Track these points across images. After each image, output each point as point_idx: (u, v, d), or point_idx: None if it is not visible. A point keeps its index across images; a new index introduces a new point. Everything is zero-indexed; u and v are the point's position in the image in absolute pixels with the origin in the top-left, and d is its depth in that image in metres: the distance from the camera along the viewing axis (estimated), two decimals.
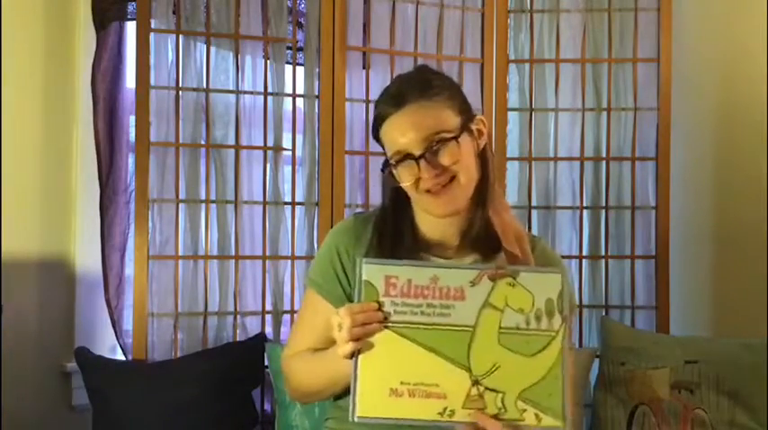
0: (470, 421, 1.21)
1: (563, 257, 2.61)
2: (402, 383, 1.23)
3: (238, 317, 2.44)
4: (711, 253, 2.73)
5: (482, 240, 1.43)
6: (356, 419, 1.23)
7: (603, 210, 2.65)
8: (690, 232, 2.74)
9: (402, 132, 1.38)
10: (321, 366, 1.45)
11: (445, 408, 1.22)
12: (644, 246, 2.63)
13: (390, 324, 1.25)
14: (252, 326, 2.46)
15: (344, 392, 1.42)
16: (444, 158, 1.37)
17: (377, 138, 1.46)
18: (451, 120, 1.40)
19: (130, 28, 2.44)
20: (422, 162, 1.36)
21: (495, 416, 1.20)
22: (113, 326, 2.42)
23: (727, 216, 2.70)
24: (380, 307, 1.26)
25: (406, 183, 1.40)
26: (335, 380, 1.42)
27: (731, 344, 2.36)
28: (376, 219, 1.49)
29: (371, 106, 2.50)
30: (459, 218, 1.45)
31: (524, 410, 1.20)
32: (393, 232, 1.45)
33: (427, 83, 1.41)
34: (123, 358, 2.42)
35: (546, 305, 1.24)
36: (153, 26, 2.36)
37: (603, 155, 2.65)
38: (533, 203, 2.66)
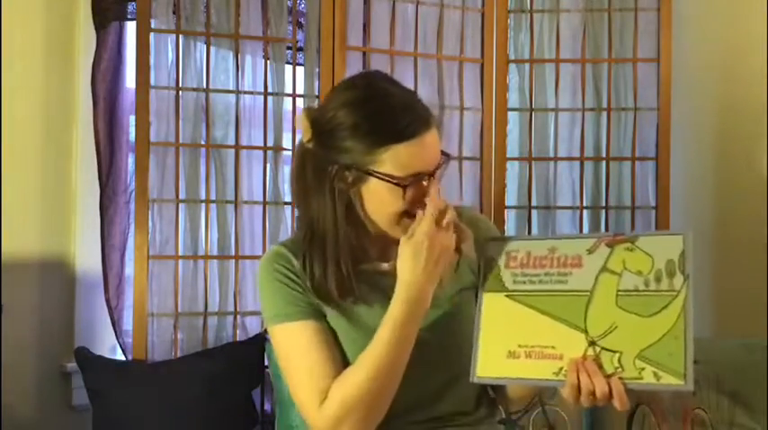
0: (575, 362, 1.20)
1: None
2: (520, 346, 1.27)
3: (238, 317, 2.44)
4: (711, 253, 2.73)
5: None
6: (475, 380, 1.28)
7: (603, 210, 2.65)
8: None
9: (425, 146, 1.28)
10: (385, 339, 1.27)
11: (561, 369, 1.23)
12: None
13: (510, 292, 1.30)
14: (252, 327, 2.46)
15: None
16: (436, 180, 1.31)
17: (367, 153, 1.28)
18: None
19: (130, 28, 2.44)
20: (433, 179, 1.29)
21: (611, 375, 1.19)
22: (113, 327, 2.41)
23: (727, 216, 2.70)
24: (501, 279, 1.32)
25: (410, 202, 1.28)
26: (409, 338, 1.28)
27: (731, 345, 2.36)
28: (318, 241, 1.34)
29: None
30: None
31: (643, 369, 1.18)
32: (351, 255, 1.34)
33: (422, 103, 1.33)
34: (123, 358, 2.42)
35: (666, 266, 1.23)
36: (153, 26, 2.36)
37: (603, 155, 2.65)
38: (533, 203, 2.66)
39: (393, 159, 1.26)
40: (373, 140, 1.26)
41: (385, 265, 1.38)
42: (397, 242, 1.33)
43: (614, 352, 1.21)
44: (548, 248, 1.31)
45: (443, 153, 1.32)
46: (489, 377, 1.28)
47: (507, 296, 1.30)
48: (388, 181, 1.26)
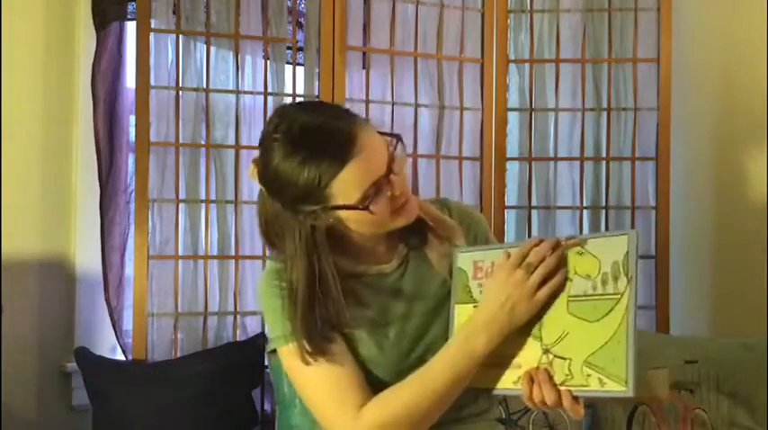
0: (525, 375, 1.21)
1: None
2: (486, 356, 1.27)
3: (238, 317, 2.44)
4: (711, 253, 2.73)
5: (404, 233, 1.36)
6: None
7: (603, 210, 2.65)
8: (690, 232, 2.74)
9: (370, 158, 1.22)
10: (444, 374, 1.25)
11: (519, 377, 1.23)
12: (644, 246, 2.63)
13: (477, 303, 1.29)
14: (252, 327, 2.46)
15: None
16: (397, 167, 1.26)
17: (317, 197, 1.23)
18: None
19: (130, 28, 2.44)
20: (392, 177, 1.24)
21: (562, 383, 1.19)
22: (113, 327, 2.42)
23: (727, 216, 2.70)
24: (470, 291, 1.31)
25: (376, 212, 1.24)
26: (464, 378, 1.25)
27: (731, 344, 2.36)
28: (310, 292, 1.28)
29: (371, 107, 2.54)
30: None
31: (589, 375, 1.17)
32: (358, 249, 1.34)
33: (342, 110, 1.29)
34: (123, 358, 2.42)
35: (612, 268, 1.20)
36: (153, 26, 2.36)
37: (603, 155, 2.65)
38: (533, 203, 2.66)
39: (342, 190, 1.22)
40: (316, 186, 1.21)
41: (386, 267, 1.38)
42: (397, 243, 1.34)
43: (565, 359, 1.20)
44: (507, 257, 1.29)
45: (391, 135, 1.27)
46: (495, 389, 1.27)
47: (475, 307, 1.29)
48: (351, 209, 1.23)
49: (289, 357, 1.29)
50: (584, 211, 2.66)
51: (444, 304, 1.35)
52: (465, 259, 1.34)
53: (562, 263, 1.23)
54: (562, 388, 1.19)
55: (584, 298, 1.21)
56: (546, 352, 1.22)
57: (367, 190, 1.22)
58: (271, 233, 1.32)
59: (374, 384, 1.29)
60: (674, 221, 2.60)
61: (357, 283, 1.34)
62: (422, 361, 1.28)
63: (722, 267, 2.71)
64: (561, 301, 1.23)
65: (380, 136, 1.26)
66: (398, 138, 1.28)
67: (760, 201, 2.60)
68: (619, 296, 1.18)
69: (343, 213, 1.25)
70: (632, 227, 2.61)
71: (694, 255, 2.74)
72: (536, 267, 1.21)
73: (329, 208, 1.24)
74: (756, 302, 2.56)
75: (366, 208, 1.23)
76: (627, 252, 1.19)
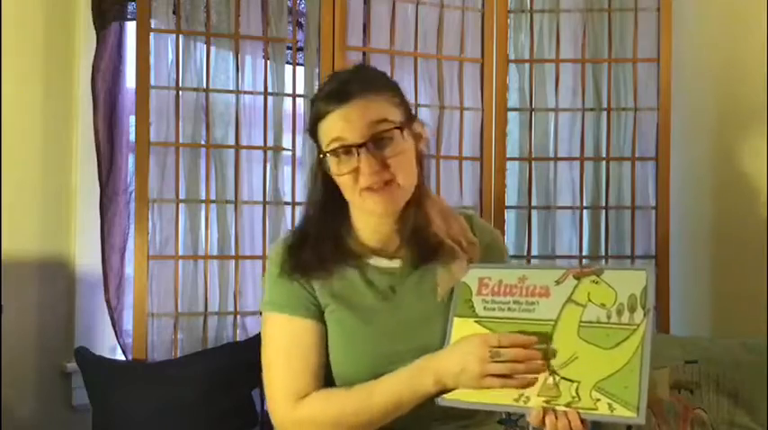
0: (540, 407, 1.24)
1: (564, 257, 2.65)
2: None
3: (238, 317, 2.44)
4: (711, 253, 2.73)
5: (420, 239, 1.40)
6: (440, 402, 1.31)
7: (603, 210, 2.65)
8: (690, 232, 2.74)
9: (344, 117, 1.31)
10: (386, 395, 1.31)
11: (521, 395, 1.26)
12: (644, 246, 2.63)
13: (479, 318, 1.34)
14: (252, 327, 2.46)
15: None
16: (387, 150, 1.32)
17: (313, 137, 1.39)
18: (396, 115, 1.36)
19: (130, 28, 2.44)
20: (362, 152, 1.30)
21: (568, 405, 1.23)
22: (113, 327, 2.42)
23: (727, 216, 2.70)
24: (472, 305, 1.35)
25: (338, 174, 1.33)
26: (404, 406, 1.31)
27: (731, 345, 2.36)
28: (309, 224, 1.41)
29: None
30: (395, 219, 1.40)
31: (598, 400, 1.22)
32: (333, 236, 1.39)
33: (371, 79, 1.38)
34: (123, 358, 2.42)
35: (629, 300, 1.27)
36: (153, 26, 2.36)
37: (603, 155, 2.65)
38: (533, 203, 2.66)
39: (322, 135, 1.35)
40: (312, 123, 1.37)
41: (384, 262, 1.40)
42: (397, 237, 1.38)
43: (573, 381, 1.24)
44: (518, 277, 1.35)
45: (389, 121, 1.33)
46: (455, 400, 1.30)
47: (476, 321, 1.34)
48: (321, 157, 1.35)
49: (267, 323, 1.40)
50: (584, 211, 2.66)
51: (435, 317, 1.38)
52: (470, 275, 1.39)
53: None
54: (569, 409, 1.23)
55: (596, 325, 1.27)
56: (552, 373, 1.26)
57: (333, 145, 1.32)
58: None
59: (341, 370, 1.36)
60: (673, 221, 2.60)
61: (357, 264, 1.39)
62: (399, 360, 1.33)
63: (722, 267, 2.70)
64: (572, 325, 1.28)
65: (390, 112, 1.34)
66: (400, 127, 1.34)
67: (760, 201, 2.60)
68: (635, 327, 1.24)
69: (331, 169, 1.35)
70: (632, 226, 2.61)
71: (694, 255, 2.74)
72: (504, 361, 1.25)
73: (320, 151, 1.37)
74: (756, 302, 2.56)
75: (322, 154, 1.34)
76: (645, 286, 1.27)
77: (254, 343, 2.34)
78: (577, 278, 1.32)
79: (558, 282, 1.32)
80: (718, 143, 2.73)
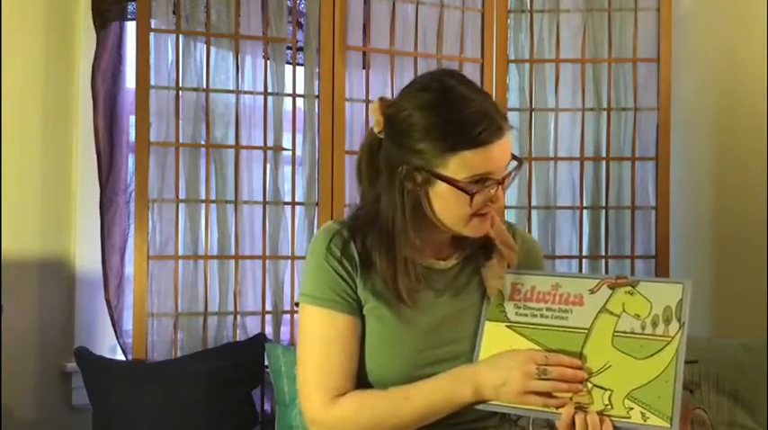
0: (571, 412, 1.24)
1: (562, 257, 2.65)
2: None
3: (238, 317, 2.44)
4: (711, 253, 2.73)
5: (468, 242, 1.41)
6: (475, 406, 1.30)
7: (603, 210, 2.65)
8: (690, 232, 2.74)
9: (501, 154, 1.30)
10: (421, 401, 1.30)
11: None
12: (644, 246, 2.63)
13: (511, 323, 1.34)
14: (252, 326, 2.46)
15: None
16: (506, 184, 1.34)
17: (442, 153, 1.28)
18: None
19: (130, 28, 2.44)
20: (500, 188, 1.32)
21: (601, 412, 1.24)
22: (113, 327, 2.41)
23: (727, 216, 2.70)
24: (504, 310, 1.36)
25: (477, 207, 1.31)
26: (439, 413, 1.31)
27: (731, 345, 2.36)
28: (363, 219, 1.38)
29: (371, 107, 2.53)
30: None
31: (631, 408, 1.23)
32: (390, 238, 1.35)
33: (498, 109, 1.35)
34: (123, 358, 2.42)
35: (664, 312, 1.28)
36: (153, 26, 2.36)
37: (603, 155, 2.65)
38: (533, 203, 2.66)
39: (462, 164, 1.27)
40: (445, 145, 1.27)
41: (441, 264, 1.41)
42: (454, 241, 1.39)
43: (606, 389, 1.25)
44: (552, 285, 1.36)
45: (515, 158, 1.34)
46: (488, 403, 1.30)
47: (508, 326, 1.34)
48: (455, 185, 1.28)
49: (306, 316, 1.36)
50: (585, 211, 2.66)
51: (470, 312, 1.38)
52: (504, 279, 1.39)
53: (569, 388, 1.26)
54: (602, 418, 1.23)
55: (630, 335, 1.28)
56: (585, 380, 1.26)
57: (478, 178, 1.28)
58: (370, 169, 1.38)
59: (376, 367, 1.35)
60: (673, 221, 2.60)
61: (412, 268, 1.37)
62: (436, 363, 1.33)
63: (722, 267, 2.70)
64: (606, 334, 1.29)
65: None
66: (521, 162, 1.35)
67: (760, 201, 2.60)
68: (669, 339, 1.26)
69: (440, 190, 1.30)
70: (632, 226, 2.61)
71: (694, 255, 2.74)
72: (549, 378, 1.26)
73: (440, 175, 1.28)
74: (756, 302, 2.56)
75: (471, 193, 1.28)
76: (681, 299, 1.29)
77: (254, 343, 2.36)
78: (612, 288, 1.32)
79: (592, 292, 1.33)
80: (719, 143, 2.73)
